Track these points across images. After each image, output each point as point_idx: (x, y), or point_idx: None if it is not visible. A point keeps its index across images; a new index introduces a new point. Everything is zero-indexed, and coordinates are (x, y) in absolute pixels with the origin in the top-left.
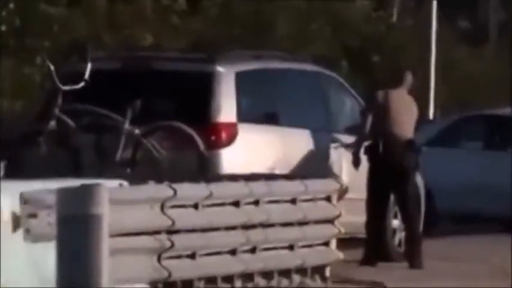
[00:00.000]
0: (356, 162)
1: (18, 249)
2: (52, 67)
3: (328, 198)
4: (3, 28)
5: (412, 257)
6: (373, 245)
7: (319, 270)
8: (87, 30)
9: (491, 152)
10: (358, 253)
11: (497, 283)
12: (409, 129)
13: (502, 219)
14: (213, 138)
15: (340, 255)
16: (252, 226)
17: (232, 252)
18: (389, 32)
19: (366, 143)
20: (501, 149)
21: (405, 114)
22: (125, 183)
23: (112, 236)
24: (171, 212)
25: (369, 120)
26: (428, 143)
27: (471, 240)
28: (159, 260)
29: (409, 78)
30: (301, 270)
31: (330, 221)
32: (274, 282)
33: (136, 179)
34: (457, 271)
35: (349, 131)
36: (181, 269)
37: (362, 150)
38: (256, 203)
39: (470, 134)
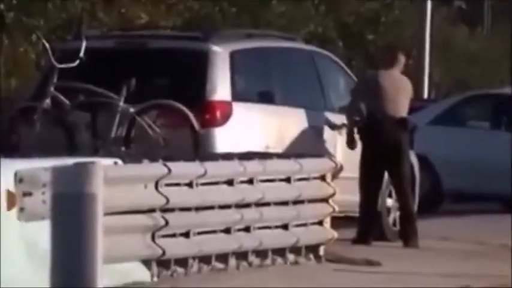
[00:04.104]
0: (351, 143)
1: (13, 227)
2: (47, 45)
3: (322, 177)
4: None
5: (407, 236)
6: (367, 224)
7: (313, 249)
8: (82, 8)
9: (496, 131)
10: (352, 232)
11: (494, 264)
12: (402, 108)
13: (506, 199)
14: (207, 116)
15: (335, 234)
16: (247, 205)
17: (227, 230)
18: (385, 11)
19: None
20: (506, 128)
21: (397, 93)
22: (120, 161)
23: (106, 214)
24: (166, 190)
25: (358, 100)
26: (434, 122)
27: (473, 220)
28: (153, 238)
29: (401, 59)
30: (296, 249)
31: (325, 200)
32: (268, 261)
33: (130, 157)
34: (453, 251)
35: (343, 110)
36: (175, 247)
37: (355, 130)
38: (250, 181)
39: (476, 113)
